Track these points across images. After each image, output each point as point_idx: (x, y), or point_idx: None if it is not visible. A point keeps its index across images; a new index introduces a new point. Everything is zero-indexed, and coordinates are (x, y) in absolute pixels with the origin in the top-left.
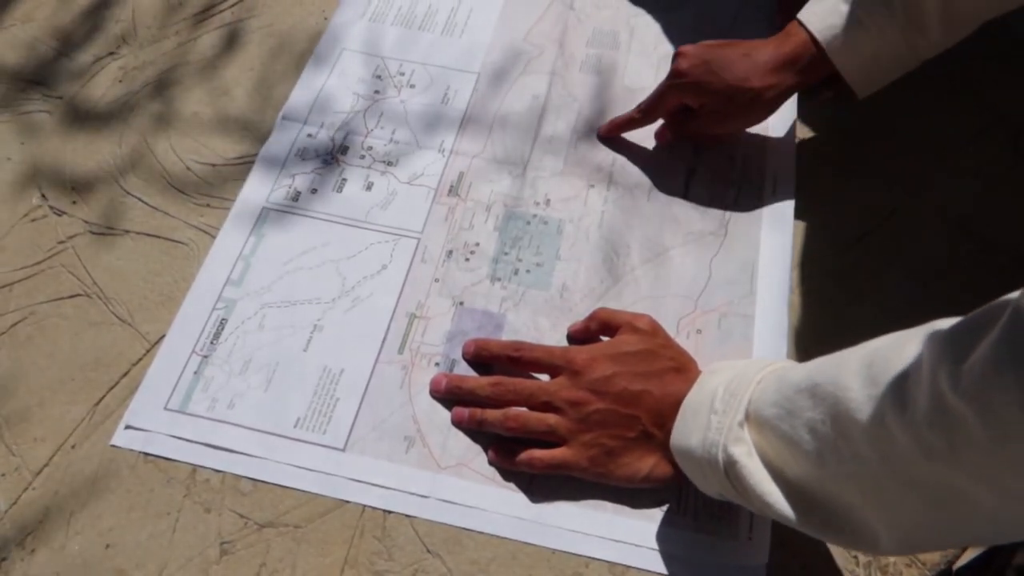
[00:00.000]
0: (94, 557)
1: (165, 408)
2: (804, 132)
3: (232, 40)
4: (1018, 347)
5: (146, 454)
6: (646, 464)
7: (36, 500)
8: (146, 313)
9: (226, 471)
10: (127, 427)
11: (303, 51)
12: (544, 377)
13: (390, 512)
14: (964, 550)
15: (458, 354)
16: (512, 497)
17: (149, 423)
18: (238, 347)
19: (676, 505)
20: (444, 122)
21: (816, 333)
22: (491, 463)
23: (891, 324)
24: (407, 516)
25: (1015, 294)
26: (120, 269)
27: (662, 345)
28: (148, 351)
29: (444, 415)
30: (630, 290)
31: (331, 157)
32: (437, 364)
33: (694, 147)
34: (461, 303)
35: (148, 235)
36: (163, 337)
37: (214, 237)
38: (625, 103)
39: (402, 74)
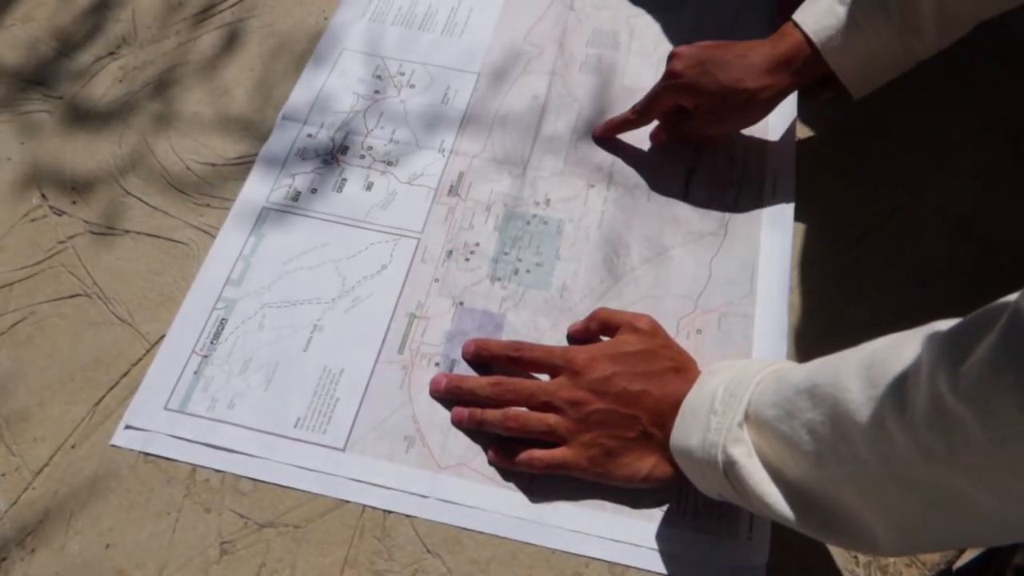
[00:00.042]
0: (94, 557)
1: (165, 408)
2: (804, 132)
3: (232, 40)
4: (1016, 349)
5: (146, 454)
6: (646, 464)
7: (36, 500)
8: (146, 313)
9: (226, 471)
10: (127, 427)
11: (303, 51)
12: (544, 377)
13: (390, 512)
14: (963, 551)
15: (458, 354)
16: (512, 497)
17: (149, 423)
18: (238, 347)
19: (676, 505)
20: (444, 122)
21: (816, 333)
22: (491, 463)
23: (891, 324)
24: (407, 516)
25: (1013, 296)
26: (120, 269)
27: (662, 345)
28: (148, 351)
29: (444, 415)
30: (630, 290)
31: (331, 157)
32: (437, 364)
33: (694, 147)
34: (461, 303)
35: (148, 235)
36: (163, 337)
37: (214, 237)
38: (625, 103)
39: (402, 74)
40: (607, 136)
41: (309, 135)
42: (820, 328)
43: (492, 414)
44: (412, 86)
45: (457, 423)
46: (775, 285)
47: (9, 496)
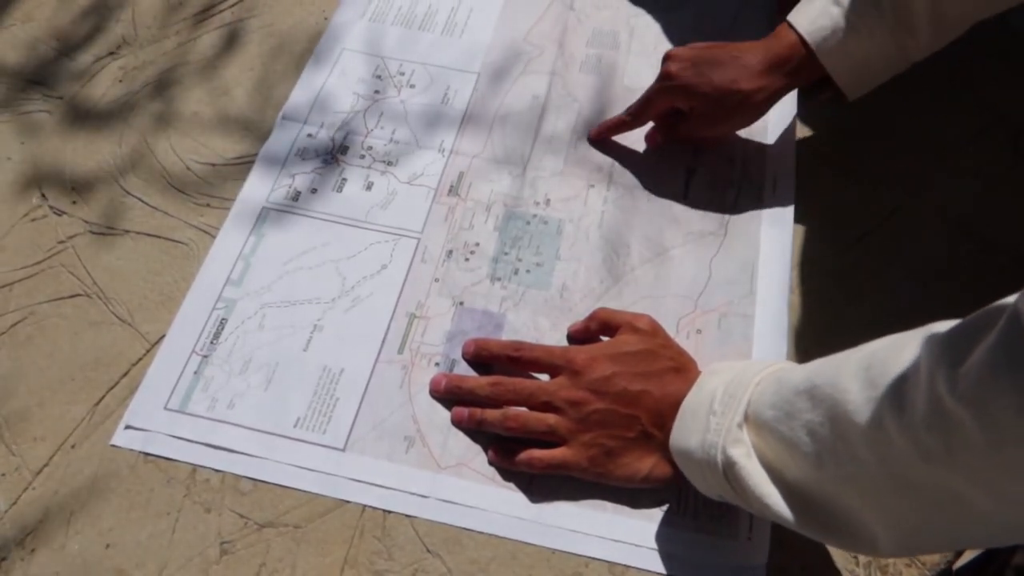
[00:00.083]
0: (94, 557)
1: (165, 408)
2: (804, 132)
3: (232, 40)
4: (1015, 351)
5: (146, 454)
6: (646, 464)
7: (36, 500)
8: (146, 313)
9: (226, 471)
10: (127, 427)
11: (303, 51)
12: (544, 377)
13: (390, 512)
14: (963, 551)
15: (458, 354)
16: (512, 497)
17: (149, 423)
18: (238, 347)
19: (676, 505)
20: (444, 122)
21: (816, 333)
22: (491, 463)
23: (891, 324)
24: (407, 516)
25: (1012, 298)
26: (120, 269)
27: (662, 345)
28: (148, 351)
29: (444, 415)
30: (630, 290)
31: (331, 157)
32: (437, 364)
33: (694, 147)
34: (461, 303)
35: (148, 235)
36: (163, 337)
37: (214, 237)
38: (625, 103)
39: (402, 74)
40: (602, 138)
41: (309, 135)
42: (820, 328)
43: (492, 414)
44: (412, 86)
45: (457, 423)
46: (775, 285)
47: (9, 496)
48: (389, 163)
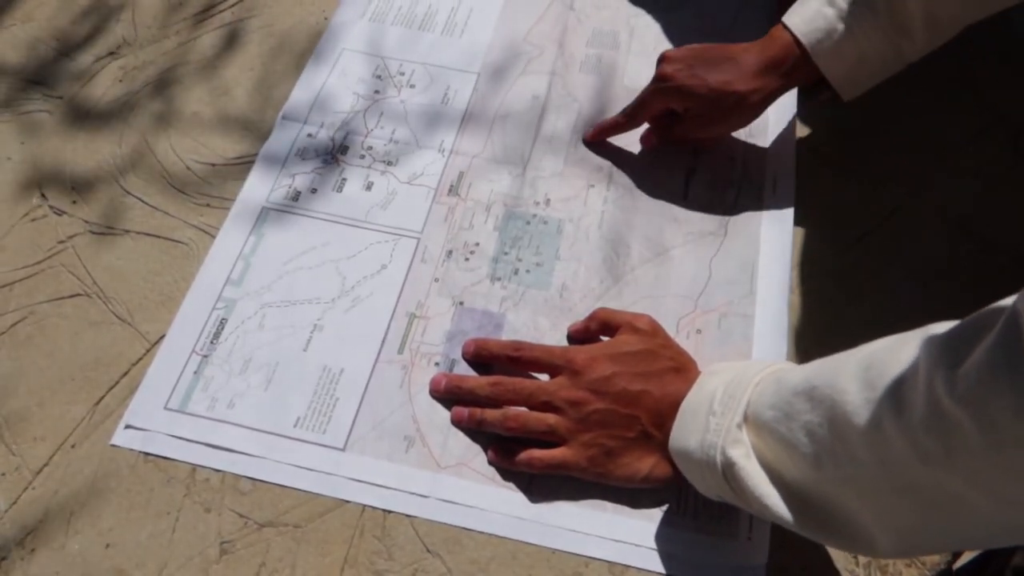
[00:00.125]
0: (94, 557)
1: (165, 408)
2: (804, 132)
3: (232, 40)
4: (1013, 352)
5: (146, 454)
6: (645, 464)
7: (36, 500)
8: (146, 313)
9: (226, 471)
10: (127, 427)
11: (303, 51)
12: (544, 377)
13: (390, 512)
14: (963, 551)
15: (458, 354)
16: (512, 497)
17: (149, 423)
18: (238, 347)
19: (676, 505)
20: (444, 122)
21: (816, 333)
22: (491, 463)
23: (891, 324)
24: (407, 516)
25: (1010, 299)
26: (120, 269)
27: (662, 345)
28: (148, 351)
29: (444, 415)
30: (630, 290)
31: (331, 157)
32: (437, 364)
33: (693, 147)
34: (461, 303)
35: (148, 235)
36: (163, 337)
37: (214, 237)
38: (625, 103)
39: (402, 74)
40: (597, 140)
41: (309, 135)
42: (820, 328)
43: (492, 414)
44: (412, 86)
45: (457, 423)
46: (775, 285)
47: (9, 496)
48: (389, 163)
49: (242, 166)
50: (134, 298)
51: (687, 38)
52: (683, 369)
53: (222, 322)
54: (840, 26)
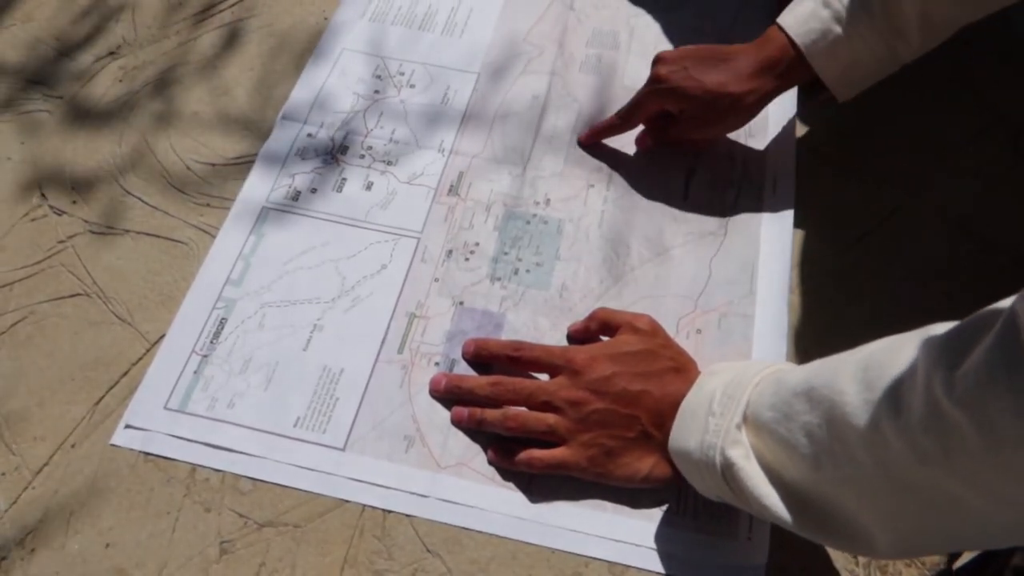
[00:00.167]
0: (94, 556)
1: (165, 407)
2: (804, 132)
3: (232, 40)
4: (1011, 354)
5: (146, 453)
6: (645, 464)
7: (36, 499)
8: (146, 313)
9: (226, 470)
10: (127, 426)
11: (303, 51)
12: (544, 377)
13: (390, 512)
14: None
15: (458, 354)
16: (512, 497)
17: (149, 422)
18: (238, 347)
19: (676, 505)
20: (444, 122)
21: (816, 333)
22: (491, 463)
23: (891, 324)
24: (407, 516)
25: (1009, 300)
26: (120, 269)
27: (662, 345)
28: (148, 351)
29: (444, 415)
30: (630, 290)
31: (331, 157)
32: (437, 364)
33: (688, 149)
34: (461, 303)
35: (148, 235)
36: (163, 337)
37: (214, 237)
38: (625, 103)
39: (402, 74)
40: (592, 142)
41: (309, 135)
42: (820, 328)
43: (492, 414)
44: (412, 86)
45: (457, 423)
46: (775, 285)
47: (9, 496)
48: (389, 163)
49: (242, 166)
50: (134, 298)
51: (687, 38)
52: (683, 369)
53: (222, 322)
54: (835, 27)
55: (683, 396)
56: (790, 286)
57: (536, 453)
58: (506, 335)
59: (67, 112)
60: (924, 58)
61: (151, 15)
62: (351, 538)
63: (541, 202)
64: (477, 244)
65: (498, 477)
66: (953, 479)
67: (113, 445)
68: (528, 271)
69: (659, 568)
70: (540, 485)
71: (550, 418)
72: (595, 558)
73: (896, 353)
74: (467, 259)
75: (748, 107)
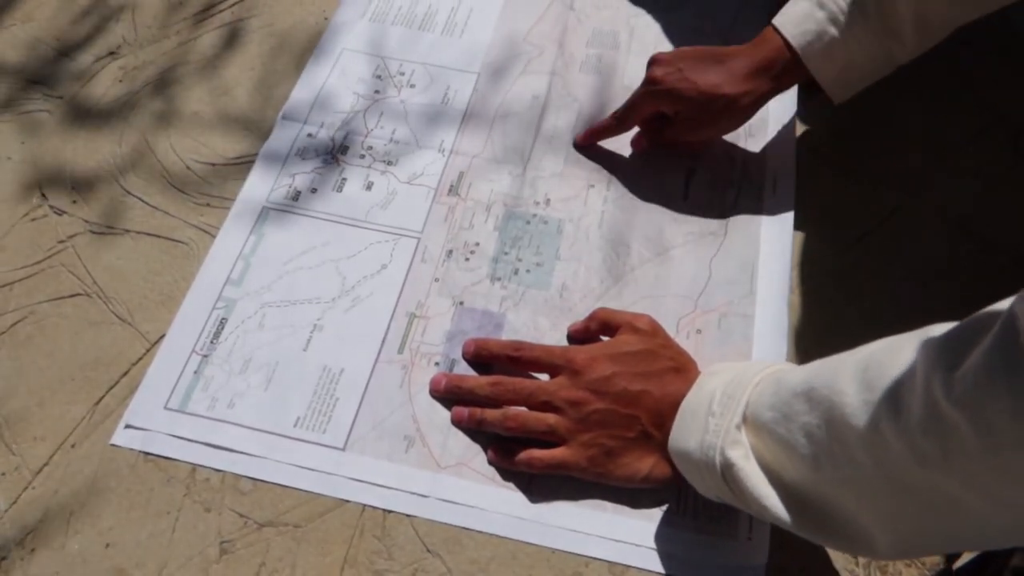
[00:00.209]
0: (94, 556)
1: (165, 407)
2: (804, 132)
3: (232, 40)
4: (1010, 355)
5: (146, 453)
6: (645, 464)
7: (36, 499)
8: (146, 312)
9: (226, 470)
10: (127, 426)
11: (303, 51)
12: (544, 377)
13: (390, 511)
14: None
15: (458, 354)
16: (512, 497)
17: (149, 422)
18: (238, 346)
19: (676, 505)
20: (444, 122)
21: (816, 333)
22: (491, 463)
23: (891, 324)
24: (407, 515)
25: (1007, 301)
26: (120, 269)
27: (662, 345)
28: (148, 350)
29: (444, 415)
30: (630, 290)
31: (331, 157)
32: (437, 364)
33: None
34: (461, 303)
35: (148, 234)
36: (163, 336)
37: (214, 236)
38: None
39: (402, 74)
40: (587, 144)
41: (309, 135)
42: (820, 328)
43: (492, 414)
44: (412, 86)
45: (457, 423)
46: (775, 285)
47: (9, 496)
48: (389, 163)
49: (242, 166)
50: (134, 298)
51: (687, 38)
52: (683, 369)
53: (222, 322)
54: (830, 28)
55: (683, 396)
56: (790, 286)
57: (536, 453)
58: (506, 335)
59: (67, 112)
60: (924, 58)
61: (151, 15)
62: (351, 538)
63: (541, 202)
64: (477, 244)
65: (498, 477)
66: (952, 480)
67: (113, 445)
68: (528, 271)
69: (659, 568)
70: (540, 485)
71: (550, 418)
72: (595, 558)
73: (895, 354)
74: (467, 259)
75: (743, 109)
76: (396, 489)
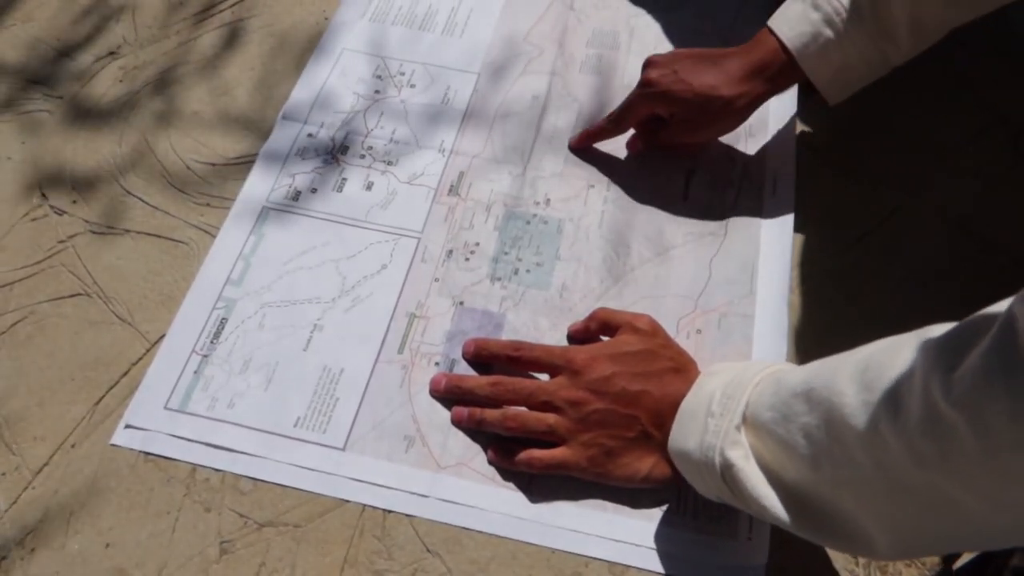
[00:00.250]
0: (94, 556)
1: (165, 407)
2: (804, 132)
3: (232, 39)
4: (1008, 357)
5: (146, 453)
6: (645, 464)
7: (36, 499)
8: (146, 312)
9: (226, 470)
10: (127, 426)
11: (303, 50)
12: (544, 377)
13: (390, 511)
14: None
15: (458, 354)
16: (512, 497)
17: (149, 422)
18: (238, 346)
19: (676, 505)
20: (444, 122)
21: (816, 333)
22: (491, 463)
23: (891, 324)
24: (407, 515)
25: (1006, 302)
26: (120, 268)
27: (662, 345)
28: (148, 350)
29: (444, 415)
30: (630, 290)
31: (331, 156)
32: (437, 364)
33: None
34: (461, 303)
35: (148, 234)
36: (163, 336)
37: (214, 236)
38: None
39: (402, 74)
40: (583, 146)
41: (309, 135)
42: (820, 328)
43: (491, 414)
44: (412, 86)
45: (457, 423)
46: (775, 285)
47: (9, 496)
48: (389, 163)
49: (242, 166)
50: (134, 298)
51: (687, 38)
52: (683, 369)
53: (222, 322)
54: (825, 30)
55: (683, 396)
56: (790, 286)
57: (536, 453)
58: (506, 335)
59: (67, 112)
60: (924, 58)
61: (151, 15)
62: (351, 538)
63: (541, 202)
64: (477, 244)
65: (498, 477)
66: (950, 481)
67: (113, 445)
68: (528, 271)
69: (659, 568)
70: (540, 485)
71: (550, 418)
72: (595, 558)
73: (895, 354)
74: (467, 259)
75: (739, 111)
76: (396, 489)
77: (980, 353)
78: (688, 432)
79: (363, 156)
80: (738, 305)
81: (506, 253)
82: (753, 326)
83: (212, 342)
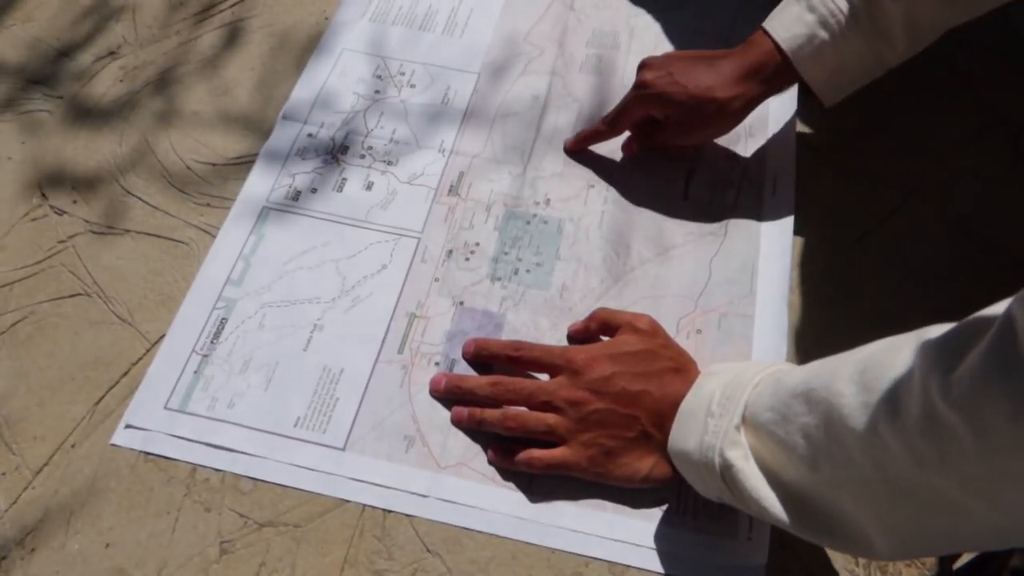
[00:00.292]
0: (94, 556)
1: (165, 407)
2: (804, 132)
3: (233, 39)
4: (1007, 357)
5: (146, 453)
6: (645, 464)
7: (36, 499)
8: (146, 312)
9: (226, 470)
10: (127, 426)
11: (303, 50)
12: (544, 377)
13: (390, 511)
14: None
15: (458, 354)
16: (512, 497)
17: (149, 422)
18: (238, 346)
19: (676, 505)
20: (444, 122)
21: (816, 333)
22: (490, 463)
23: (891, 324)
24: (407, 515)
25: (1004, 303)
26: (120, 268)
27: (662, 345)
28: (148, 350)
29: (444, 415)
30: (630, 290)
31: (331, 156)
32: (437, 364)
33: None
34: (461, 303)
35: (148, 234)
36: (163, 336)
37: (214, 236)
38: None
39: (402, 74)
40: (578, 149)
41: (309, 135)
42: (820, 328)
43: (491, 414)
44: (412, 86)
45: (457, 423)
46: (775, 285)
47: (9, 495)
48: (389, 163)
49: (242, 166)
50: (134, 298)
51: (687, 38)
52: (683, 369)
53: (222, 322)
54: (820, 32)
55: (683, 396)
56: (790, 286)
57: (536, 453)
58: (506, 335)
59: (67, 112)
60: (923, 58)
61: (151, 15)
62: (351, 538)
63: (541, 202)
64: (477, 244)
65: (498, 477)
66: (949, 482)
67: (113, 445)
68: (528, 271)
69: (659, 568)
70: (540, 485)
71: (550, 418)
72: (595, 558)
73: (894, 355)
74: (467, 259)
75: (734, 112)
76: (396, 489)
77: (979, 354)
78: (688, 432)
79: (363, 156)
80: (738, 305)
81: (506, 253)
82: (753, 326)
83: (212, 342)
